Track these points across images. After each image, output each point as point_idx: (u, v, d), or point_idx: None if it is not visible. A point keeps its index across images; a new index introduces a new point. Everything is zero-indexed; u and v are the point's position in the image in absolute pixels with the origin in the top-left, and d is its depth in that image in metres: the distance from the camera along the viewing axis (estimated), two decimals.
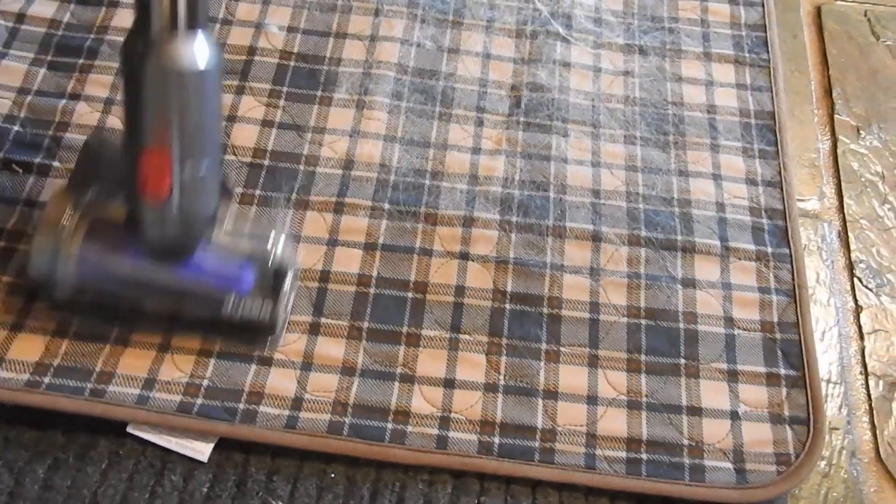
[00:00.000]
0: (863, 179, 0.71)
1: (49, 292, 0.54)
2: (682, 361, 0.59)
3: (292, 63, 0.73)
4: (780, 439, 0.56)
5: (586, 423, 0.57)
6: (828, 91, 0.77)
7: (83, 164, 0.57)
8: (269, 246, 0.56)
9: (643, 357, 0.59)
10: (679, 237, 0.65)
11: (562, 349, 0.59)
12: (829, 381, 0.61)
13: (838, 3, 0.83)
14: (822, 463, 0.57)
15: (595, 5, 0.79)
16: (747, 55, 0.76)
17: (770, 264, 0.64)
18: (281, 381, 0.56)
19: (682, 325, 0.61)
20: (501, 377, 0.58)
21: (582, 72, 0.74)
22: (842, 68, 0.78)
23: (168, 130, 0.48)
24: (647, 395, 0.58)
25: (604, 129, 0.71)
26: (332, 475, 0.54)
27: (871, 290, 0.65)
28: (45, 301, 0.57)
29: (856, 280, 0.66)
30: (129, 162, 0.50)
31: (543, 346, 0.59)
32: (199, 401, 0.55)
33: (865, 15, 0.82)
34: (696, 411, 0.57)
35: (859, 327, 0.63)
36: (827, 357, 0.62)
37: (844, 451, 0.58)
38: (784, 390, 0.58)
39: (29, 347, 0.56)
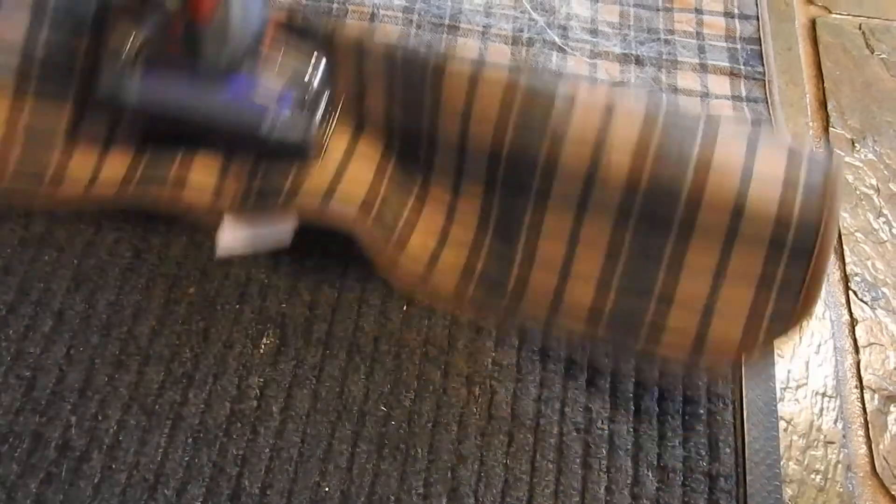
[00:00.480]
0: (858, 192, 0.71)
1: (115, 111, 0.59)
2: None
3: None
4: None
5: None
6: (822, 103, 0.77)
7: None
8: (309, 68, 0.58)
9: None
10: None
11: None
12: (824, 395, 0.61)
13: (833, 15, 0.83)
14: (818, 477, 0.57)
15: (591, 17, 0.79)
16: (742, 67, 0.76)
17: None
18: None
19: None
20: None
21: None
22: (836, 81, 0.78)
23: None
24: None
25: None
26: (327, 489, 0.54)
27: (866, 303, 0.65)
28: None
29: (851, 293, 0.66)
30: None
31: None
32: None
33: (860, 28, 0.82)
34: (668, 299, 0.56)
35: (854, 341, 0.63)
36: (822, 370, 0.62)
37: (840, 465, 0.58)
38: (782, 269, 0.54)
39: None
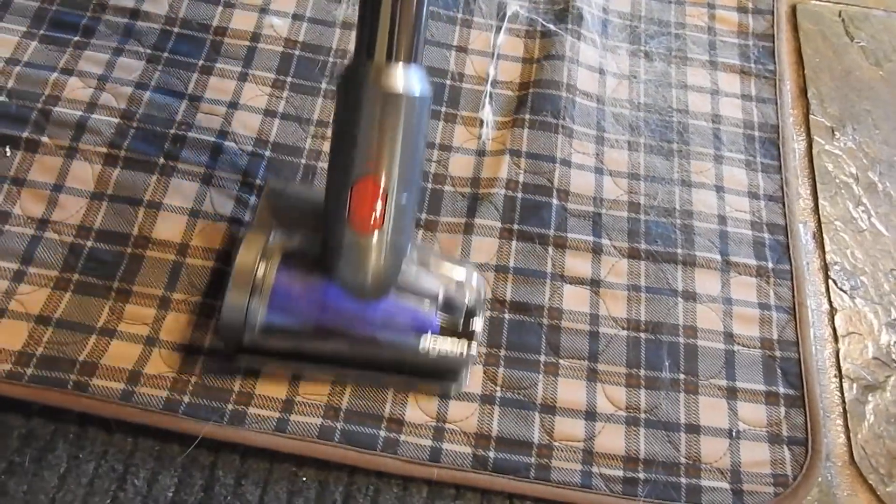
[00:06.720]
0: (837, 181, 0.70)
1: (235, 340, 0.49)
2: (682, 377, 0.57)
3: (297, 52, 0.68)
4: (778, 460, 0.54)
5: (583, 440, 0.54)
6: (803, 91, 0.75)
7: (267, 206, 0.54)
8: (463, 281, 0.51)
9: (642, 372, 0.57)
10: (679, 250, 0.62)
11: (561, 362, 0.56)
12: None
13: (813, 2, 0.81)
14: None
15: (603, 5, 0.75)
16: (753, 66, 0.73)
17: (770, 280, 0.61)
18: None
19: (682, 340, 0.58)
20: (498, 389, 0.55)
21: (588, 73, 0.70)
22: (816, 68, 0.76)
23: (383, 156, 0.46)
24: (645, 412, 0.55)
25: (608, 134, 0.67)
26: (304, 479, 0.51)
27: (845, 292, 0.64)
28: (225, 349, 0.52)
29: (830, 282, 0.64)
30: (336, 192, 0.47)
31: (542, 359, 0.56)
32: (187, 399, 0.51)
33: (840, 15, 0.80)
34: (694, 429, 0.55)
35: (834, 330, 0.62)
36: None
37: None
38: (783, 409, 0.56)
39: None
